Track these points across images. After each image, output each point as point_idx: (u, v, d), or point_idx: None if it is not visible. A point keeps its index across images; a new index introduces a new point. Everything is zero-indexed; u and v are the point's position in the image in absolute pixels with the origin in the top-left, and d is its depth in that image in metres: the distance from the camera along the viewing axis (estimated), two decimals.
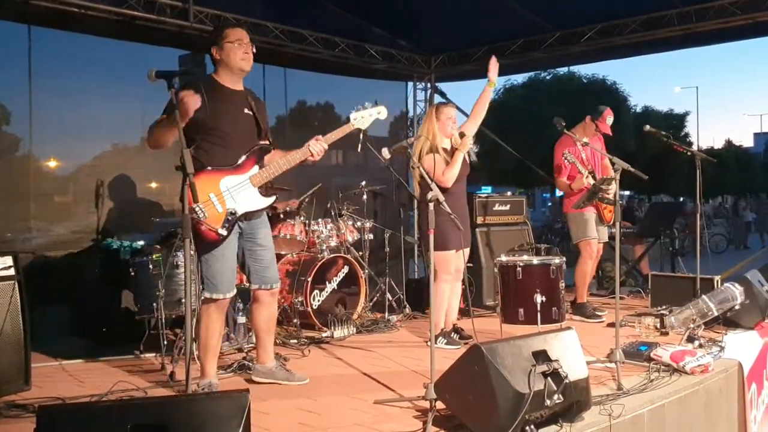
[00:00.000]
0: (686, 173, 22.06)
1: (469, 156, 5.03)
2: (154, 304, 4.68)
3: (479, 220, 6.71)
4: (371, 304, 6.32)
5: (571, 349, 3.28)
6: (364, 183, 6.63)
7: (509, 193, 8.18)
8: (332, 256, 5.86)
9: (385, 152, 3.92)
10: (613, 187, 5.20)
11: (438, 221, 3.70)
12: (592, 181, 5.80)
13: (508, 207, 7.03)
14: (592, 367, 3.83)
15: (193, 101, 3.41)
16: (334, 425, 3.33)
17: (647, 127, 5.94)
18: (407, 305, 6.43)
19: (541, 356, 3.10)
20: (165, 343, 4.51)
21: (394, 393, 3.81)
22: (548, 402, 3.01)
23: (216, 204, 3.67)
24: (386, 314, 6.18)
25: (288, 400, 3.73)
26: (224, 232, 3.68)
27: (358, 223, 6.37)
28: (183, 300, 4.52)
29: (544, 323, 4.92)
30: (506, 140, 10.53)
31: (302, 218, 5.87)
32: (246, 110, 3.85)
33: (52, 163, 6.27)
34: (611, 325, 4.95)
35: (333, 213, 6.23)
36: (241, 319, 5.03)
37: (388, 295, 6.33)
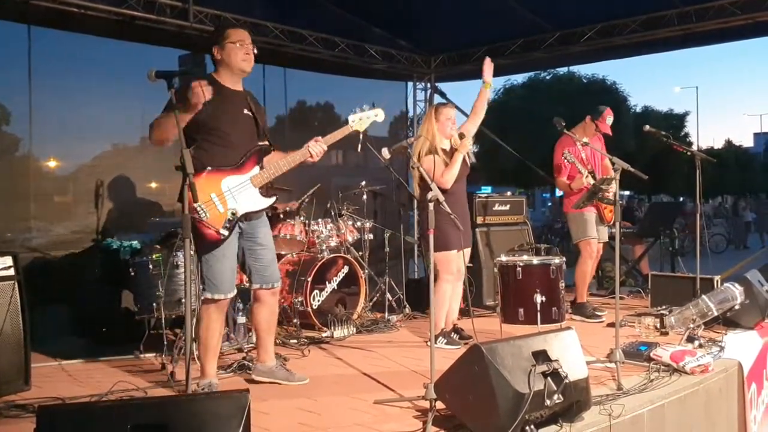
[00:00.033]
0: (686, 173, 22.09)
1: (468, 157, 5.02)
2: (154, 304, 4.69)
3: (479, 220, 6.71)
4: (371, 304, 6.32)
5: (571, 349, 3.28)
6: (364, 183, 6.63)
7: (509, 193, 8.18)
8: (332, 256, 5.86)
9: (385, 152, 3.92)
10: (613, 187, 5.20)
11: (438, 221, 3.70)
12: (591, 181, 5.80)
13: (508, 207, 7.03)
14: (592, 367, 3.83)
15: (206, 92, 3.43)
16: (334, 425, 3.33)
17: (647, 127, 5.94)
18: (407, 305, 6.43)
19: (541, 356, 3.10)
20: (165, 343, 4.52)
21: (394, 393, 3.81)
22: (548, 402, 3.01)
23: (217, 204, 3.67)
24: (386, 314, 6.18)
25: (288, 400, 3.73)
26: (225, 233, 3.68)
27: (358, 223, 6.37)
28: (183, 300, 4.51)
29: (544, 323, 4.92)
30: (506, 140, 10.53)
31: (302, 218, 5.87)
32: (246, 111, 3.87)
33: (52, 163, 6.27)
34: (611, 325, 4.95)
35: (333, 213, 6.23)
36: (241, 319, 5.03)
37: (388, 295, 6.33)
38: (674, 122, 31.50)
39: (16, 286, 3.93)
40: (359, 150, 3.97)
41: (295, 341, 5.15)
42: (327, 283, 5.81)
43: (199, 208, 3.59)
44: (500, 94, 24.92)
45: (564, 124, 5.34)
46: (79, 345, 5.18)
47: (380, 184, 6.86)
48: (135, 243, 5.64)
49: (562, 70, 24.15)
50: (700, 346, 4.47)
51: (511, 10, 7.20)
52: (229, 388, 3.65)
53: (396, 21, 7.85)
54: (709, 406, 4.10)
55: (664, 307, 5.47)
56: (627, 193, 26.29)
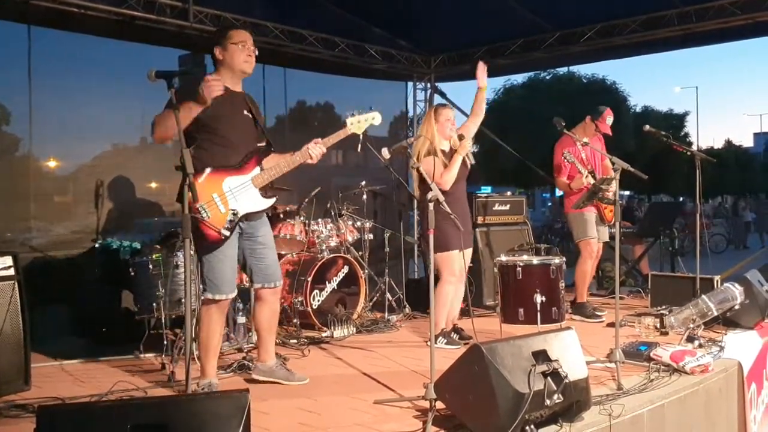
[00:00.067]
0: (686, 173, 22.08)
1: (468, 158, 5.02)
2: (154, 304, 4.69)
3: (479, 220, 6.71)
4: (371, 304, 6.32)
5: (571, 349, 3.28)
6: (364, 183, 6.64)
7: (509, 193, 8.18)
8: (332, 256, 5.87)
9: (385, 152, 3.93)
10: (613, 187, 5.20)
11: (438, 221, 3.70)
12: (591, 181, 5.81)
13: (508, 207, 7.03)
14: (592, 367, 3.83)
15: (218, 87, 3.48)
16: (334, 425, 3.33)
17: (647, 127, 5.94)
18: (407, 305, 6.43)
19: (541, 356, 3.10)
20: (165, 343, 4.52)
21: (394, 393, 3.81)
22: (548, 402, 3.01)
23: (219, 204, 3.68)
24: (386, 314, 6.18)
25: (288, 400, 3.73)
26: (227, 233, 3.69)
27: (358, 223, 6.37)
28: (183, 300, 4.52)
29: (544, 323, 4.92)
30: (506, 140, 10.53)
31: (302, 218, 5.87)
32: (245, 111, 3.89)
33: (52, 163, 6.27)
34: (611, 325, 4.95)
35: (333, 213, 6.23)
36: (241, 319, 5.03)
37: (388, 295, 6.33)
38: (674, 122, 31.50)
39: (16, 286, 3.93)
40: (359, 150, 3.98)
41: (295, 341, 5.15)
42: (327, 283, 5.81)
43: (201, 208, 3.60)
44: (500, 94, 24.94)
45: (564, 124, 5.34)
46: (79, 345, 5.18)
47: (380, 184, 6.86)
48: (135, 243, 5.64)
49: (562, 70, 24.19)
50: (700, 346, 4.47)
51: (511, 10, 7.20)
52: (229, 388, 3.65)
53: (396, 21, 7.85)
54: (709, 406, 4.10)
55: (664, 307, 5.48)
56: (627, 193, 26.30)
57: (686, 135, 33.02)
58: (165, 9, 6.06)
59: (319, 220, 6.02)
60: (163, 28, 6.20)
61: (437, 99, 8.75)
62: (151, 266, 4.81)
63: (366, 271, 6.27)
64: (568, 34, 7.51)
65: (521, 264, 5.26)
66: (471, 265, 5.48)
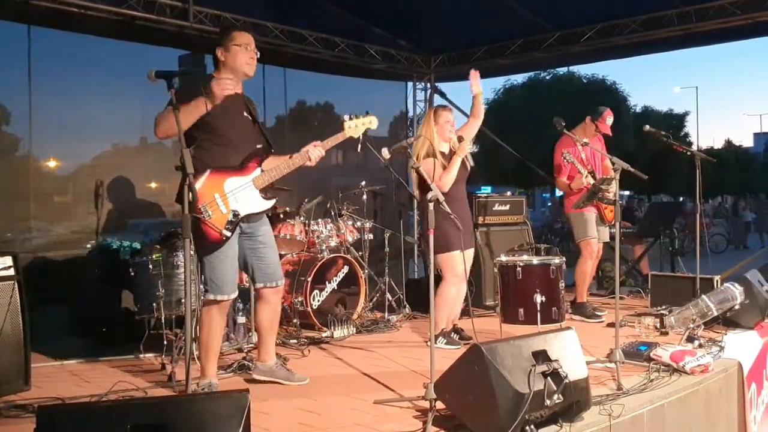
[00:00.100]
0: (686, 173, 22.07)
1: (468, 159, 5.01)
2: (154, 304, 4.69)
3: (479, 220, 6.71)
4: (371, 304, 6.32)
5: (571, 349, 3.28)
6: (363, 183, 6.64)
7: (509, 193, 8.18)
8: (332, 256, 5.87)
9: (385, 152, 3.94)
10: (613, 187, 5.20)
11: (438, 221, 3.70)
12: (591, 181, 5.81)
13: (507, 207, 7.03)
14: (592, 367, 3.83)
15: (231, 85, 3.54)
16: (334, 425, 3.33)
17: (647, 127, 5.94)
18: (407, 305, 6.43)
19: (541, 356, 3.10)
20: (165, 343, 4.52)
21: (394, 393, 3.81)
22: (548, 402, 3.01)
23: (220, 205, 3.68)
24: (386, 314, 6.18)
25: (288, 400, 3.73)
26: (228, 234, 3.69)
27: (358, 223, 6.37)
28: (183, 300, 4.52)
29: (544, 323, 4.92)
30: (506, 140, 10.54)
31: (302, 218, 5.87)
32: (245, 113, 3.90)
33: (52, 163, 6.27)
34: (611, 325, 4.95)
35: (333, 213, 6.23)
36: (241, 319, 5.03)
37: (388, 295, 6.33)
38: (674, 122, 31.50)
39: (16, 286, 3.93)
40: (359, 150, 3.99)
41: (295, 341, 5.15)
42: (327, 283, 5.81)
43: (203, 209, 3.60)
44: (500, 94, 24.96)
45: (564, 124, 5.34)
46: (79, 345, 5.18)
47: (380, 184, 6.86)
48: (135, 243, 5.64)
49: (562, 70, 24.19)
50: (700, 346, 4.47)
51: (511, 10, 7.20)
52: (229, 388, 3.66)
53: (396, 21, 7.85)
54: (709, 406, 4.10)
55: (664, 307, 5.48)
56: (627, 193, 26.30)
57: (686, 135, 33.03)
58: (165, 9, 6.07)
59: (319, 220, 6.03)
60: (163, 28, 6.20)
61: (437, 99, 8.76)
62: (151, 266, 4.81)
63: (366, 271, 6.27)
64: (568, 34, 7.51)
65: (521, 264, 5.26)
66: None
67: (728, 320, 5.05)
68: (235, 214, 3.72)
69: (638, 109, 29.09)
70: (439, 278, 4.84)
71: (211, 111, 3.61)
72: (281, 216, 5.75)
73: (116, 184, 6.16)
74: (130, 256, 5.11)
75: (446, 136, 4.97)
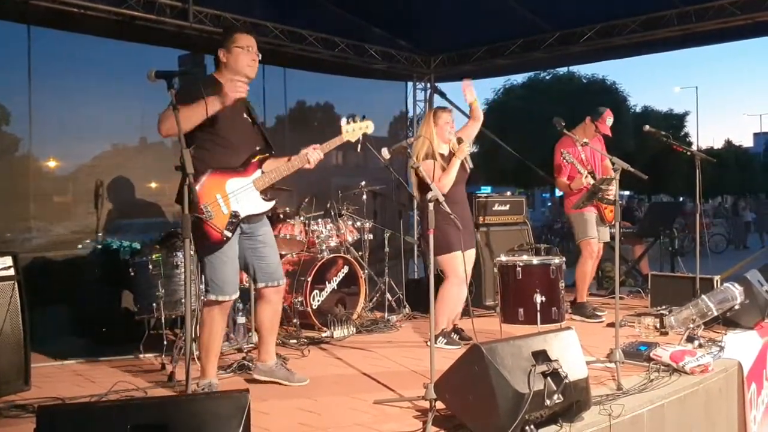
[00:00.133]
0: (686, 173, 22.08)
1: (467, 161, 5.01)
2: (154, 304, 4.69)
3: (479, 220, 6.71)
4: (371, 304, 6.32)
5: (571, 349, 3.28)
6: (363, 183, 6.64)
7: (509, 193, 8.18)
8: (332, 256, 5.87)
9: (385, 152, 3.94)
10: (613, 187, 5.20)
11: (438, 221, 3.70)
12: (591, 181, 5.81)
13: (507, 207, 7.03)
14: (591, 367, 3.83)
15: (244, 90, 3.59)
16: (334, 425, 3.33)
17: (647, 127, 5.94)
18: (407, 305, 6.42)
19: (541, 356, 3.10)
20: (165, 343, 4.52)
21: (394, 393, 3.81)
22: (548, 402, 3.01)
23: (222, 205, 3.69)
24: (386, 314, 6.18)
25: (288, 400, 3.74)
26: (229, 234, 3.70)
27: (358, 223, 6.37)
28: (183, 300, 4.52)
29: (543, 323, 4.92)
30: (506, 140, 10.55)
31: (302, 218, 5.87)
32: (245, 115, 3.91)
33: (52, 163, 6.27)
34: (611, 325, 4.95)
35: (333, 213, 6.23)
36: (241, 319, 5.03)
37: (388, 295, 6.33)
38: (674, 122, 31.48)
39: (16, 286, 3.93)
40: (359, 150, 4.00)
41: (295, 341, 5.15)
42: (327, 283, 5.81)
43: (204, 209, 3.61)
44: (500, 94, 24.95)
45: (564, 124, 5.34)
46: (79, 345, 5.18)
47: (380, 184, 6.86)
48: (135, 243, 5.64)
49: (562, 70, 24.18)
50: (700, 346, 4.47)
51: (511, 10, 7.20)
52: (229, 388, 3.66)
53: (396, 21, 7.85)
54: (708, 406, 4.10)
55: (663, 307, 5.48)
56: (627, 193, 26.31)
57: (686, 135, 33.02)
58: (165, 9, 6.06)
59: (319, 220, 6.02)
60: (163, 28, 6.20)
61: (437, 99, 8.76)
62: (150, 266, 4.81)
63: (366, 271, 6.27)
64: (568, 34, 7.51)
65: (521, 264, 5.26)
66: None
67: (728, 320, 5.05)
68: (236, 215, 3.72)
69: (638, 109, 29.09)
70: (439, 278, 4.84)
71: (211, 112, 3.61)
72: (281, 216, 5.75)
73: (116, 184, 6.16)
74: (130, 256, 5.11)
75: (446, 137, 4.97)
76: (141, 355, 4.73)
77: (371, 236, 6.51)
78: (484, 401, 2.97)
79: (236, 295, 3.87)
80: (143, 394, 3.81)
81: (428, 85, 8.91)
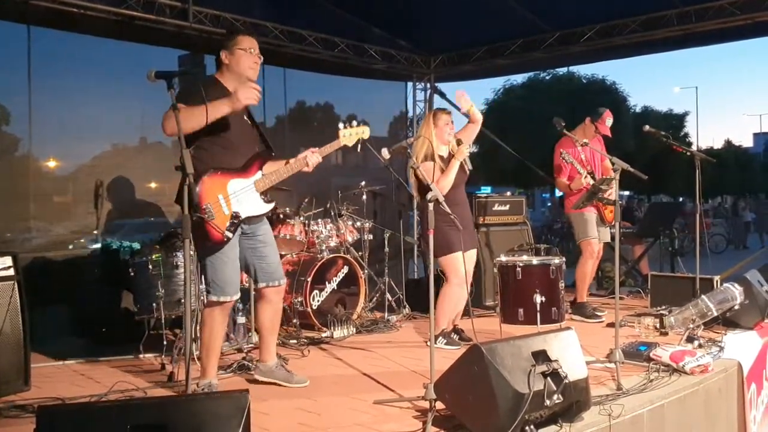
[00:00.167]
0: (686, 173, 22.07)
1: (466, 163, 5.00)
2: (154, 305, 4.69)
3: (479, 220, 6.71)
4: (371, 304, 6.32)
5: (571, 349, 3.28)
6: (363, 183, 6.64)
7: (509, 193, 8.18)
8: (332, 256, 5.87)
9: (385, 152, 3.94)
10: (613, 187, 5.20)
11: (437, 222, 3.70)
12: (591, 182, 5.81)
13: (507, 207, 7.03)
14: (591, 367, 3.83)
15: (255, 97, 3.60)
16: (334, 425, 3.33)
17: (647, 127, 5.95)
18: (407, 305, 6.43)
19: (541, 356, 3.10)
20: (165, 343, 4.52)
21: (393, 393, 3.81)
22: (548, 402, 3.01)
23: (223, 206, 3.69)
24: (386, 314, 6.18)
25: (288, 400, 3.74)
26: (230, 235, 3.70)
27: (358, 224, 6.37)
28: (183, 300, 4.52)
29: (543, 323, 4.92)
30: (506, 140, 10.55)
31: (302, 219, 5.88)
32: (244, 116, 3.92)
33: (52, 163, 6.27)
34: (611, 325, 4.95)
35: (332, 213, 6.23)
36: (241, 319, 5.03)
37: (388, 295, 6.33)
38: (674, 122, 31.47)
39: (16, 286, 3.93)
40: (359, 150, 4.01)
41: (295, 341, 5.15)
42: (327, 283, 5.81)
43: (206, 209, 3.61)
44: (500, 94, 24.94)
45: (564, 124, 5.34)
46: (79, 345, 5.18)
47: (380, 184, 6.86)
48: (135, 243, 5.64)
49: (562, 70, 24.12)
50: (700, 346, 4.47)
51: (511, 10, 7.21)
52: (229, 388, 3.66)
53: (396, 21, 7.85)
54: (708, 406, 4.10)
55: (663, 307, 5.48)
56: (627, 193, 26.30)
57: (686, 135, 33.00)
58: (164, 9, 6.07)
59: (319, 220, 6.03)
60: (163, 29, 6.20)
61: (437, 99, 8.76)
62: (150, 266, 4.81)
63: (366, 271, 6.27)
64: (568, 34, 7.51)
65: (521, 264, 5.26)
66: None
67: (728, 320, 5.05)
68: (236, 216, 3.72)
69: (638, 109, 29.05)
70: (439, 278, 4.84)
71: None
72: (281, 216, 5.75)
73: (116, 184, 6.16)
74: (130, 256, 5.11)
75: (445, 138, 4.97)
76: (141, 356, 4.73)
77: (371, 236, 6.51)
78: (484, 401, 2.97)
79: (237, 296, 3.88)
80: (143, 394, 3.81)
81: (428, 85, 8.91)
